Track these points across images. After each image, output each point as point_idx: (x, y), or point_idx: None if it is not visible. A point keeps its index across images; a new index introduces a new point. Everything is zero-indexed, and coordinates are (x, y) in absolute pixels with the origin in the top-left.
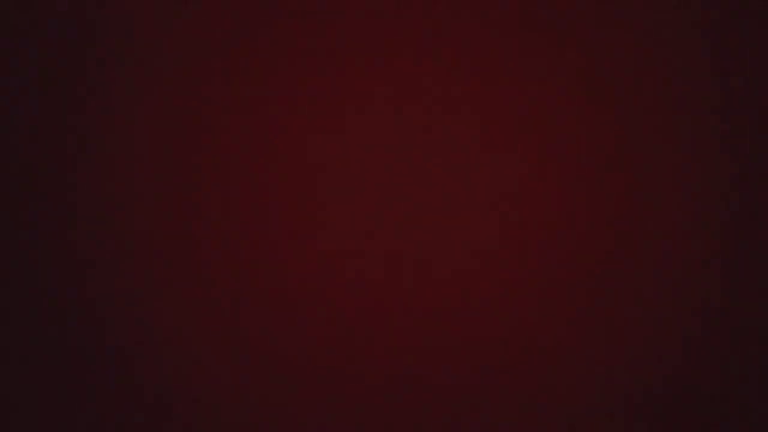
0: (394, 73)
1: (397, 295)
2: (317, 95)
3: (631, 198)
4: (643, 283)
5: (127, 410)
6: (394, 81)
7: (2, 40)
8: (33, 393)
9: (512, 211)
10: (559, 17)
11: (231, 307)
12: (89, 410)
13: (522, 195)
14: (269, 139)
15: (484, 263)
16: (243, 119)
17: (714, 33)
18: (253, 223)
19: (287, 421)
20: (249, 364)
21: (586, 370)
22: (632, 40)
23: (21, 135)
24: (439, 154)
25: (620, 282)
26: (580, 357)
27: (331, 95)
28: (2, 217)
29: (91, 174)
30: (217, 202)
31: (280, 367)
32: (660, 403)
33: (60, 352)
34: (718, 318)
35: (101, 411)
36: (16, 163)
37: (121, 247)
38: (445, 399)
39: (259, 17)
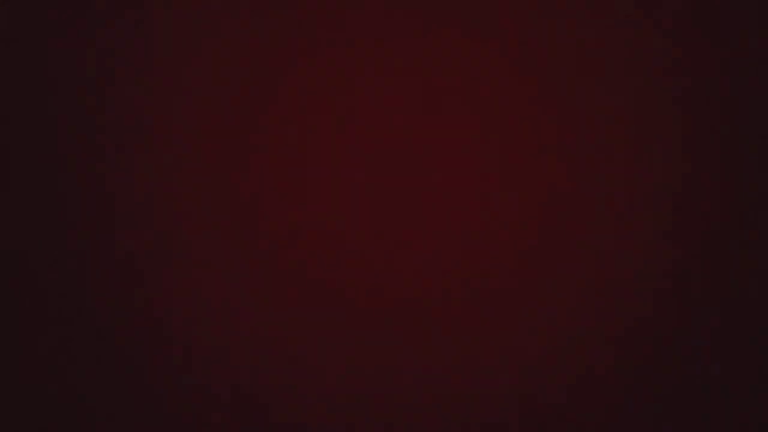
0: (386, 70)
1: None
2: (319, 94)
3: (625, 197)
4: (636, 283)
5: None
6: (388, 79)
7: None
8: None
9: (509, 210)
10: (552, 19)
11: (231, 304)
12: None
13: (519, 193)
14: (268, 139)
15: (480, 261)
16: (243, 119)
17: (710, 32)
18: (249, 221)
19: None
20: (249, 363)
21: (579, 367)
22: (622, 41)
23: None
24: (438, 153)
25: (611, 282)
26: (571, 355)
27: (333, 95)
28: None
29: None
30: (215, 200)
31: (278, 366)
32: (655, 398)
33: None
34: (713, 315)
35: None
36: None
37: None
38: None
39: (258, 17)
